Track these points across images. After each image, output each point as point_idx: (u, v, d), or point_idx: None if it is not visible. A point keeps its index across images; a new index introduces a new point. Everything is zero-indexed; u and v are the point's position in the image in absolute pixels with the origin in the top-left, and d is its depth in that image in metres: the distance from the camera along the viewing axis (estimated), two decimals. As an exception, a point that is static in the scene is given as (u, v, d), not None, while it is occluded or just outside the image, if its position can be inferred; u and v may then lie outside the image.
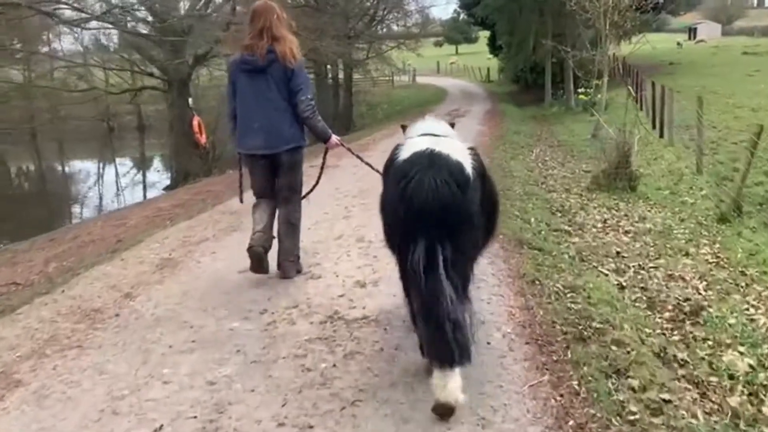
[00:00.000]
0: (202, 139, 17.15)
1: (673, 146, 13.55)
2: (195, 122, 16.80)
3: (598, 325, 4.09)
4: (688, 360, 4.01)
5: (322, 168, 5.35)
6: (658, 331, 4.54)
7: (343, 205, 7.92)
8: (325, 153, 5.25)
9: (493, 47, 37.78)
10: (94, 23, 15.20)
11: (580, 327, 4.05)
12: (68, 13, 13.67)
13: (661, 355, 4.02)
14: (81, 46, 33.53)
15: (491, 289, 4.72)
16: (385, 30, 36.12)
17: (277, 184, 4.77)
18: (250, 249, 4.63)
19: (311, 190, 5.20)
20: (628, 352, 3.76)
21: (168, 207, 9.00)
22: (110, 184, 23.25)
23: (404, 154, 3.14)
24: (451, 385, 2.85)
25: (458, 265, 2.99)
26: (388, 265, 5.22)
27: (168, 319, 4.24)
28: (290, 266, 4.90)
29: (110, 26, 15.86)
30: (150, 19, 16.59)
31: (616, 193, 9.40)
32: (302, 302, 4.49)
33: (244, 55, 4.53)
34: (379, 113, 36.84)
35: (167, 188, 17.13)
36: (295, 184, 4.85)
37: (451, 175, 2.94)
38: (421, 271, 2.88)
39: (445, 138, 3.37)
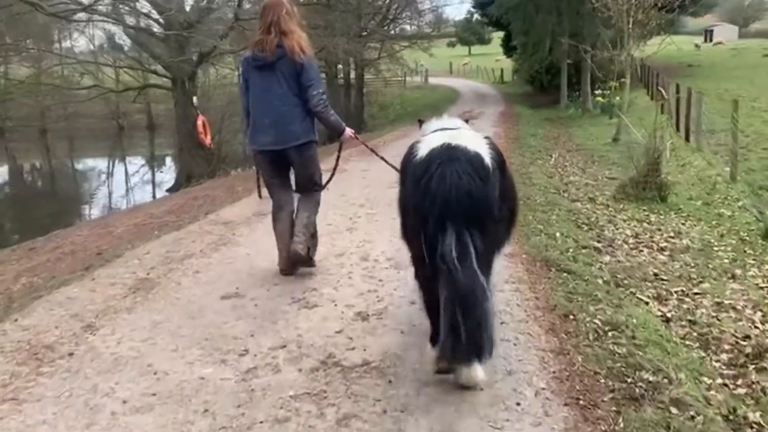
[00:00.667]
0: (207, 139, 16.49)
1: (701, 151, 12.68)
2: (199, 122, 16.15)
3: (650, 378, 3.30)
4: (764, 425, 3.22)
5: (337, 161, 5.29)
6: (719, 380, 3.75)
7: (347, 216, 7.17)
8: (340, 147, 5.22)
9: (507, 48, 36.90)
10: (92, 16, 14.48)
11: (630, 380, 3.27)
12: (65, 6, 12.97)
13: (731, 417, 3.23)
14: (93, 45, 33.15)
15: (518, 326, 3.95)
16: (398, 30, 35.36)
17: (295, 179, 4.81)
18: (281, 271, 4.84)
19: (328, 182, 5.08)
20: (693, 417, 2.98)
21: (160, 213, 8.28)
22: (117, 184, 22.65)
23: (422, 151, 3.14)
24: (475, 371, 3.02)
25: (484, 257, 2.99)
26: (395, 291, 4.53)
27: (129, 361, 3.49)
28: (302, 243, 4.68)
29: (102, 19, 15.14)
30: (154, 14, 15.92)
31: (646, 203, 8.59)
32: (291, 341, 3.73)
33: (255, 52, 4.50)
34: (391, 114, 36.06)
35: (170, 190, 16.45)
36: (312, 175, 4.79)
37: (471, 167, 2.96)
38: (455, 260, 2.84)
39: (460, 130, 3.38)
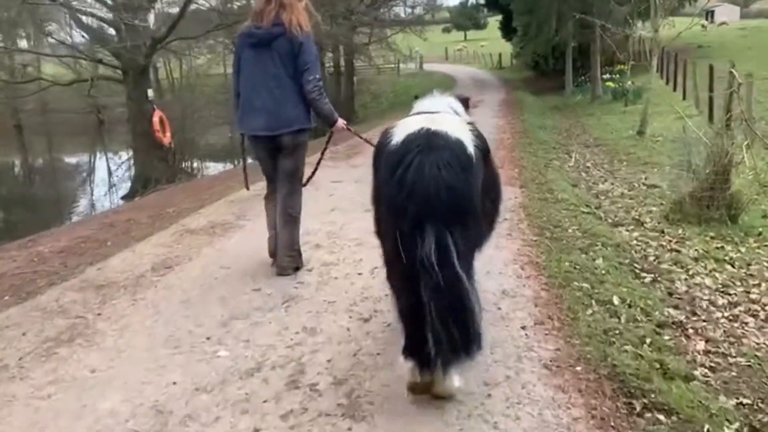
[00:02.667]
0: (166, 138, 14.00)
1: (752, 147, 10.21)
2: (156, 118, 13.65)
3: None
4: None
5: (322, 154, 4.95)
6: None
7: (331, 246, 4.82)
8: (329, 137, 4.84)
9: (506, 31, 34.23)
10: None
11: None
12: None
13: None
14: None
15: None
16: (390, 13, 32.72)
17: (279, 171, 4.41)
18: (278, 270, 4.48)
19: (311, 177, 4.77)
20: None
21: (89, 234, 6.19)
22: (80, 185, 20.09)
23: (397, 136, 2.73)
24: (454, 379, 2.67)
25: (465, 257, 2.59)
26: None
27: None
28: (288, 262, 4.48)
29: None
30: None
31: (712, 226, 6.18)
32: None
33: (251, 27, 4.18)
34: (383, 103, 33.57)
35: (125, 197, 14.01)
36: (295, 171, 4.43)
37: (453, 156, 2.59)
38: (435, 262, 2.44)
39: (441, 114, 3.01)
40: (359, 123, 27.21)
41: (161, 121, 13.94)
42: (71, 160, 26.35)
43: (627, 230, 6.15)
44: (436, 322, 2.44)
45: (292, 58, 4.11)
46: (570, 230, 5.74)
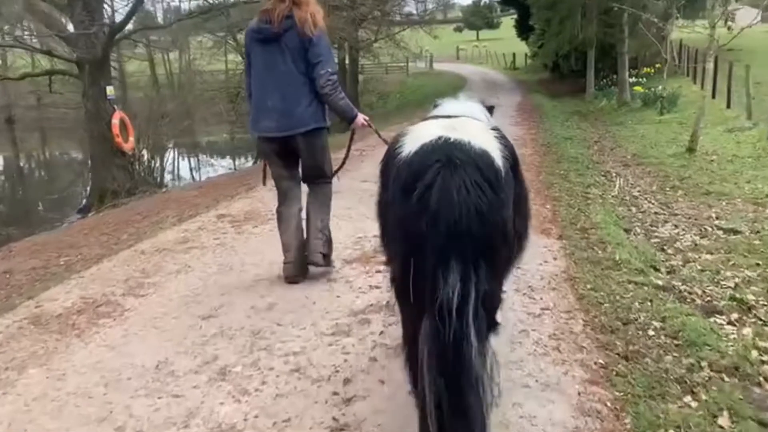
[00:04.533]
0: (128, 143, 11.87)
1: None
2: (116, 120, 11.53)
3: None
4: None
5: (348, 150, 4.52)
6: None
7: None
8: (352, 135, 4.41)
9: (522, 29, 31.86)
10: None
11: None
12: None
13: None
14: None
15: None
16: (401, 11, 30.42)
17: (302, 169, 4.15)
18: (286, 279, 4.12)
19: (337, 170, 4.37)
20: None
21: None
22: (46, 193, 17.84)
23: (410, 145, 2.19)
24: None
25: (490, 296, 2.09)
26: None
27: None
28: (320, 251, 4.10)
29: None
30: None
31: None
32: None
33: (260, 22, 3.89)
34: (390, 103, 31.33)
35: (81, 211, 11.86)
36: (321, 166, 4.12)
37: (480, 173, 2.04)
38: (454, 309, 1.93)
39: (460, 119, 2.44)
40: (365, 124, 25.09)
41: (123, 124, 11.81)
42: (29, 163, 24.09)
43: (731, 323, 3.89)
44: (431, 377, 1.96)
45: (303, 54, 3.82)
46: (650, 331, 3.52)
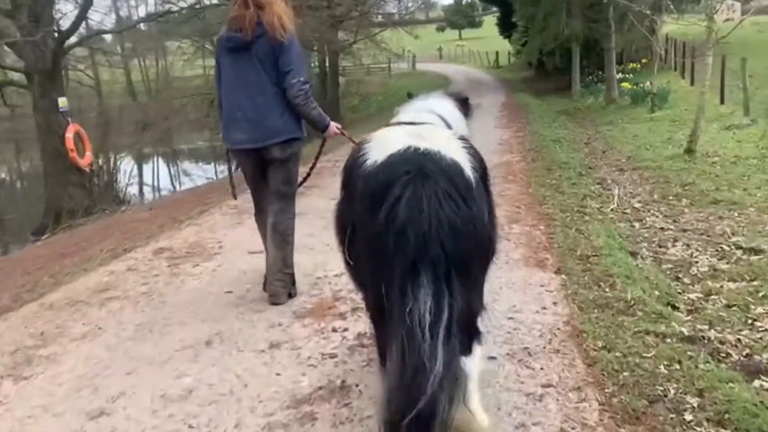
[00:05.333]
0: (85, 159, 10.88)
1: None
2: (69, 134, 10.54)
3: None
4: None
5: (315, 160, 4.31)
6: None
7: None
8: (322, 144, 4.27)
9: (505, 27, 31.04)
10: None
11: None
12: None
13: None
14: None
15: None
16: (381, 11, 29.50)
17: (270, 185, 3.89)
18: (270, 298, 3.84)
19: (302, 182, 4.14)
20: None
21: None
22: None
23: (376, 154, 2.08)
24: None
25: (466, 311, 2.00)
26: None
27: None
28: (280, 287, 3.85)
29: None
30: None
31: None
32: None
33: (229, 31, 3.72)
34: (373, 105, 30.40)
35: (35, 233, 10.83)
36: (287, 184, 3.91)
37: (452, 185, 1.97)
38: (427, 327, 1.82)
39: (427, 127, 2.41)
40: (345, 128, 24.09)
41: (78, 138, 10.81)
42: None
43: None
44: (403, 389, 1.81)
45: (274, 62, 3.64)
46: (687, 414, 2.64)
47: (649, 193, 7.53)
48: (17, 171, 22.59)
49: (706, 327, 3.72)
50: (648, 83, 16.99)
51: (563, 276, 4.16)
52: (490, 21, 50.15)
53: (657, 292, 4.21)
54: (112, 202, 11.11)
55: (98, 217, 10.16)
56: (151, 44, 22.90)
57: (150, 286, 4.22)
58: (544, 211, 5.96)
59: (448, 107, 2.86)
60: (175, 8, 13.34)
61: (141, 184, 20.63)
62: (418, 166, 1.96)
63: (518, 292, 3.85)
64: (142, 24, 31.01)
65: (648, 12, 11.38)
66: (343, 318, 3.51)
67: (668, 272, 4.78)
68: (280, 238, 3.88)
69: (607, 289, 4.03)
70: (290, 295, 3.89)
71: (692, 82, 17.80)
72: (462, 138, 2.32)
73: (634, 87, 17.19)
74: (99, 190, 11.05)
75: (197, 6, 13.20)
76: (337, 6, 19.77)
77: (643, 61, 22.55)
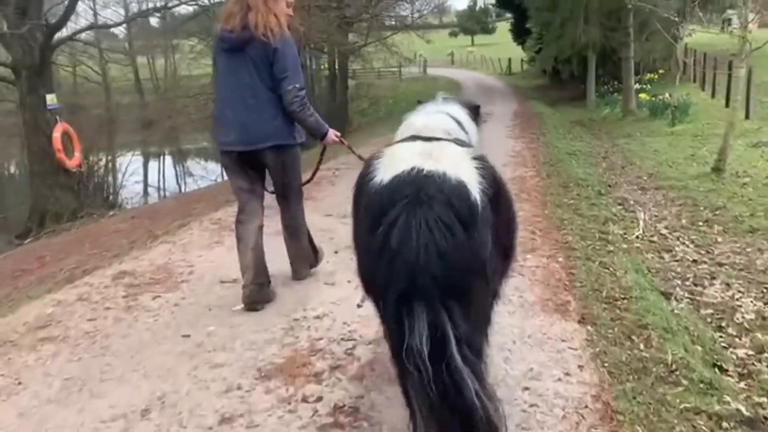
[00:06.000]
0: (74, 159, 10.26)
1: None
2: (57, 133, 9.92)
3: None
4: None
5: (317, 167, 4.21)
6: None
7: None
8: (323, 151, 4.19)
9: (518, 33, 30.28)
10: None
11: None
12: None
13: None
14: None
15: None
16: (393, 14, 28.82)
17: (273, 183, 3.88)
18: (244, 306, 3.67)
19: (304, 184, 4.04)
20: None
21: None
22: None
23: (382, 173, 2.04)
24: None
25: (473, 339, 1.93)
26: None
27: None
28: (302, 274, 4.10)
29: None
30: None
31: None
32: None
33: (223, 30, 3.60)
34: (382, 109, 29.74)
35: (20, 236, 10.21)
36: (289, 183, 3.86)
37: (450, 209, 1.89)
38: (427, 360, 1.78)
39: (440, 145, 2.20)
40: (353, 132, 23.45)
41: (67, 138, 10.19)
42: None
43: None
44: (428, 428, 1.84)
45: (268, 65, 3.53)
46: None
47: (676, 217, 6.80)
48: (7, 168, 22.06)
49: (766, 400, 3.01)
50: (667, 95, 16.22)
51: (588, 327, 3.44)
52: (504, 27, 49.41)
53: (699, 348, 3.50)
54: (102, 205, 10.48)
55: (84, 222, 9.54)
56: (157, 42, 22.28)
57: (96, 324, 3.54)
58: (563, 238, 5.24)
59: (459, 112, 2.76)
60: (174, 2, 12.66)
61: (145, 184, 20.08)
62: (416, 190, 1.89)
63: (535, 349, 3.15)
64: (151, 20, 30.63)
65: (675, 17, 10.60)
66: (319, 380, 2.82)
67: (709, 320, 4.07)
68: (292, 234, 4.00)
69: (641, 346, 3.32)
70: (311, 266, 4.22)
71: (713, 95, 17.00)
72: (477, 158, 2.16)
73: (653, 98, 16.41)
74: (89, 193, 10.41)
75: (199, 3, 12.57)
76: (347, 7, 19.04)
77: (660, 71, 21.76)
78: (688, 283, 4.76)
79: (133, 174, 17.59)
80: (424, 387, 1.79)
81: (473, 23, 69.96)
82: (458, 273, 1.86)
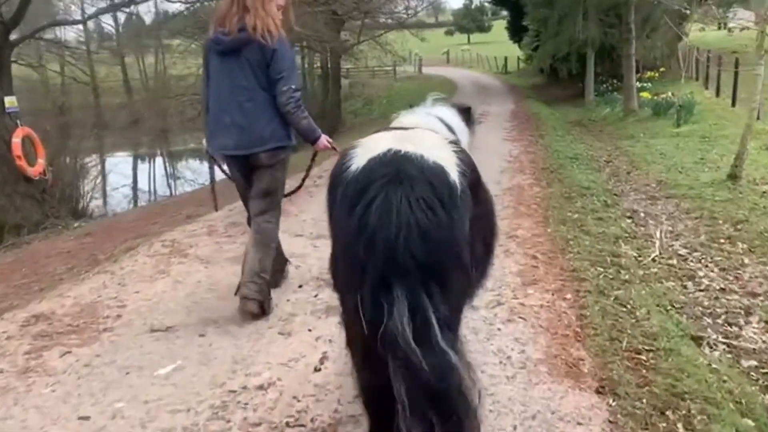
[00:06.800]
0: (36, 166, 9.45)
1: None
2: (17, 139, 9.11)
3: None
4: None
5: (307, 172, 4.11)
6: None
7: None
8: (313, 156, 4.06)
9: (515, 31, 29.46)
10: None
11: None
12: None
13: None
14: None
15: None
16: (386, 11, 27.98)
17: (253, 188, 3.67)
18: (241, 303, 3.48)
19: (293, 192, 4.01)
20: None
21: None
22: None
23: (357, 160, 1.96)
24: None
25: (450, 323, 1.83)
26: None
27: None
28: (253, 291, 3.44)
29: None
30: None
31: None
32: None
33: (216, 32, 3.51)
34: (376, 110, 28.90)
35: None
36: (272, 191, 3.67)
37: (431, 189, 1.82)
38: (410, 340, 1.66)
39: (416, 131, 2.22)
40: (345, 133, 22.61)
41: (29, 143, 9.37)
42: None
43: None
44: (414, 421, 1.68)
45: (265, 68, 3.45)
46: None
47: (693, 232, 6.00)
48: None
49: None
50: (670, 93, 15.43)
51: (610, 400, 2.64)
52: (500, 25, 48.59)
53: (751, 422, 2.71)
54: (70, 215, 9.66)
55: (47, 234, 8.72)
56: (142, 41, 21.45)
57: (-25, 396, 2.73)
58: (569, 264, 4.43)
59: (450, 114, 2.74)
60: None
61: (135, 188, 19.21)
62: (395, 170, 1.83)
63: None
64: (136, 18, 29.77)
65: (686, 9, 9.78)
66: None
67: (754, 376, 3.27)
68: (260, 239, 3.60)
69: (679, 427, 2.52)
70: (263, 308, 3.49)
71: (717, 93, 16.22)
72: (453, 142, 2.20)
73: (655, 97, 15.61)
74: (54, 203, 9.58)
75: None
76: (337, 3, 18.21)
77: (662, 69, 20.96)
78: (720, 321, 3.97)
79: (117, 176, 16.77)
80: (404, 365, 1.65)
81: (469, 21, 69.11)
82: (439, 255, 1.77)
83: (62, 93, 20.09)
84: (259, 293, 3.46)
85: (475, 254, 2.07)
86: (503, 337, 3.20)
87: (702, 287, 4.55)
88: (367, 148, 1.97)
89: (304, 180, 4.10)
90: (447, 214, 1.79)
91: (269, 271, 3.59)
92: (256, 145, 3.51)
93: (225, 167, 3.83)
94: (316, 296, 3.81)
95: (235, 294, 3.58)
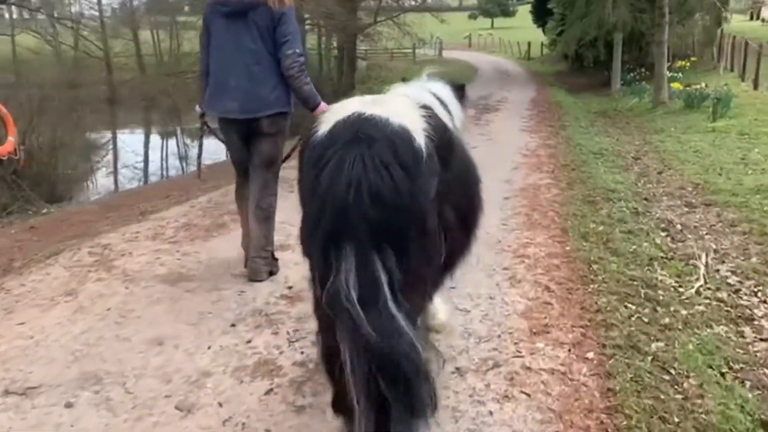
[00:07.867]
0: (6, 144, 8.57)
1: None
2: (-15, 115, 8.19)
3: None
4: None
5: (297, 143, 3.78)
6: None
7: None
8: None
9: (539, 15, 27.97)
10: None
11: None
12: None
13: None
14: None
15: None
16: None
17: (252, 156, 3.68)
18: (250, 274, 3.69)
19: (285, 158, 3.87)
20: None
21: None
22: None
23: (324, 124, 1.95)
24: None
25: (410, 292, 1.77)
26: None
27: None
28: (262, 264, 3.69)
29: None
30: None
31: None
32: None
33: None
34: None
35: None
36: (273, 159, 3.70)
37: (390, 150, 1.76)
38: (355, 300, 1.62)
39: (387, 96, 2.30)
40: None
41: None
42: None
43: None
44: (365, 382, 1.63)
45: (272, 31, 3.44)
46: None
47: (743, 253, 4.89)
48: None
49: None
50: (703, 84, 14.11)
51: None
52: (525, 10, 46.91)
53: None
54: (42, 199, 8.79)
55: (15, 219, 7.83)
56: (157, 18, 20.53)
57: None
58: (592, 300, 3.39)
59: (443, 90, 2.65)
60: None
61: (115, 171, 18.11)
62: (355, 131, 1.79)
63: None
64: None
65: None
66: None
67: None
68: (262, 215, 3.64)
69: None
70: (271, 273, 3.74)
71: (756, 86, 14.85)
72: (424, 106, 2.10)
73: (686, 88, 14.29)
74: (26, 184, 8.71)
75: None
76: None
77: (693, 59, 19.53)
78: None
79: (120, 155, 15.96)
80: (351, 326, 1.60)
81: (494, 5, 67.10)
82: (395, 217, 1.70)
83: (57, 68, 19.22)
84: (267, 265, 3.69)
85: (446, 222, 2.00)
86: (495, 428, 2.19)
87: (763, 336, 3.48)
88: (335, 113, 1.94)
89: (293, 149, 3.82)
90: (408, 178, 1.73)
91: (273, 240, 3.73)
92: (259, 110, 3.48)
93: (219, 132, 3.73)
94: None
95: (244, 267, 3.73)
